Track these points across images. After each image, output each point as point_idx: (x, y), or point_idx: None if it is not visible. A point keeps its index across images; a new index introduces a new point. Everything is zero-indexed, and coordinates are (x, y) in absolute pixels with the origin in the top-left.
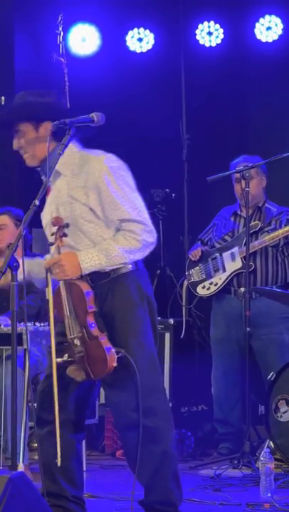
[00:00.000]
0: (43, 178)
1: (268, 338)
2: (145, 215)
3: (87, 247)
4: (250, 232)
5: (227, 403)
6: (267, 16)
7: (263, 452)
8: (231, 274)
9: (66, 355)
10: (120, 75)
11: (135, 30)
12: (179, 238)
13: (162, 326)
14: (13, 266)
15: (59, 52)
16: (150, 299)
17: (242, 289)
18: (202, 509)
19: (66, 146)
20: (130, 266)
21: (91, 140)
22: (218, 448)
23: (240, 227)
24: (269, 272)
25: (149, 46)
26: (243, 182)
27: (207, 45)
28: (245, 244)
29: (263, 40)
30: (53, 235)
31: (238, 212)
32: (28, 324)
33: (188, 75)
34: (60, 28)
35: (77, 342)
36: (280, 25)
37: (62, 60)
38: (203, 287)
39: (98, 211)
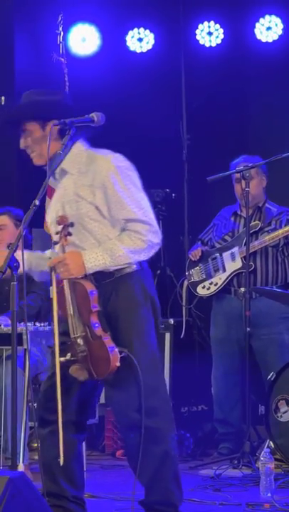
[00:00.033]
0: (51, 177)
1: (268, 338)
2: (151, 216)
3: (92, 246)
4: (250, 232)
5: (227, 403)
6: (267, 16)
7: (263, 452)
8: (231, 274)
9: (69, 354)
10: (120, 75)
11: (135, 30)
12: (179, 238)
13: (162, 326)
14: (13, 266)
15: (59, 52)
16: (154, 299)
17: (242, 289)
18: (202, 509)
19: (66, 145)
20: (135, 266)
21: (91, 140)
22: (218, 448)
23: (241, 227)
24: (269, 272)
25: (149, 46)
26: (243, 182)
27: (207, 45)
28: (245, 244)
29: (263, 40)
30: (57, 233)
31: (238, 213)
32: (28, 324)
33: (188, 75)
34: (60, 28)
35: (80, 341)
36: (280, 25)
37: (63, 60)
38: (204, 287)
39: (104, 210)
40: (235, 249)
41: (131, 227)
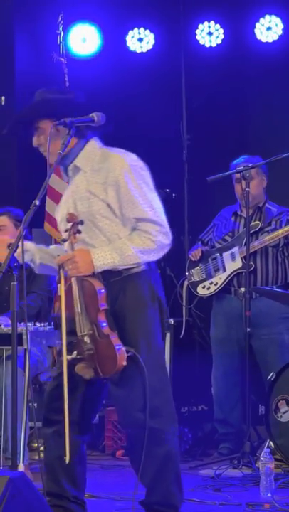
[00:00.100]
0: (64, 175)
1: (268, 338)
2: (162, 217)
3: (102, 243)
4: (251, 232)
5: (227, 403)
6: (267, 16)
7: (263, 452)
8: (231, 273)
9: (75, 352)
10: (120, 75)
11: (135, 30)
12: (179, 238)
13: None
14: (13, 266)
15: (59, 52)
16: (161, 300)
17: (242, 289)
18: (202, 509)
19: (66, 145)
20: (143, 266)
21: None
22: (218, 448)
23: (241, 227)
24: (269, 272)
25: (150, 46)
26: (243, 182)
27: (207, 45)
28: (245, 244)
29: (263, 40)
30: (66, 231)
31: (239, 213)
32: (29, 324)
33: (188, 75)
34: (60, 28)
35: (87, 339)
36: (280, 26)
37: (63, 60)
38: (204, 287)
39: (116, 208)
40: (236, 249)
41: (141, 227)
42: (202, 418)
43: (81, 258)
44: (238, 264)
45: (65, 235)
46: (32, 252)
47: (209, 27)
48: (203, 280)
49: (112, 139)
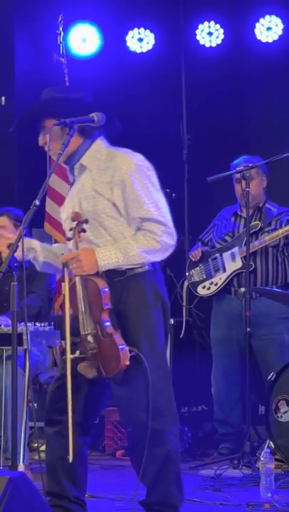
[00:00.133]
0: (70, 174)
1: (268, 339)
2: (167, 217)
3: (107, 242)
4: (251, 232)
5: (227, 403)
6: (267, 16)
7: (263, 452)
8: (231, 274)
9: (78, 351)
10: (120, 75)
11: (135, 30)
12: (179, 238)
13: None
14: (13, 266)
15: (59, 52)
16: (164, 300)
17: (242, 289)
18: (202, 509)
19: (66, 145)
20: (147, 266)
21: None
22: (218, 448)
23: (241, 227)
24: (269, 272)
25: (150, 46)
26: (243, 182)
27: (207, 45)
28: (245, 245)
29: (263, 40)
30: (71, 230)
31: (239, 213)
32: (29, 324)
33: (188, 75)
34: (60, 28)
35: (90, 339)
36: (280, 26)
37: (63, 60)
38: (204, 287)
39: (121, 207)
40: (236, 250)
41: (146, 227)
42: (202, 418)
43: (85, 257)
44: (238, 264)
45: (69, 234)
46: (36, 250)
47: (209, 27)
48: (204, 280)
49: (112, 139)
